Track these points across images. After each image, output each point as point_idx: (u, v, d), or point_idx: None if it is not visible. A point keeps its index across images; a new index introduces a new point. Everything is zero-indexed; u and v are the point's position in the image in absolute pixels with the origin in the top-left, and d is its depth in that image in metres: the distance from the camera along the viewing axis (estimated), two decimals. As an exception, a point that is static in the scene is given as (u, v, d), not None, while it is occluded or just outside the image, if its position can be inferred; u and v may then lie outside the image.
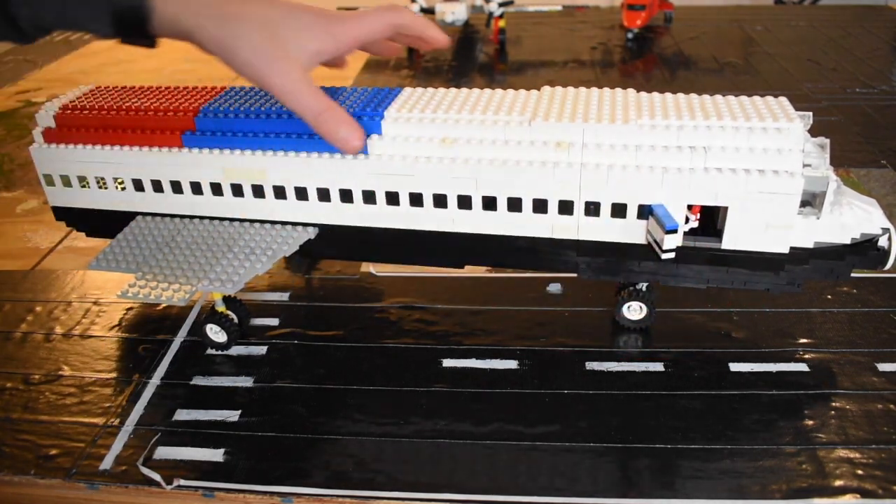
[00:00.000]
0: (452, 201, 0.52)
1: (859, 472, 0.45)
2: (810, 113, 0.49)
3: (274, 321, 0.61)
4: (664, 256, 0.47)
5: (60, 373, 0.56)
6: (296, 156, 0.53)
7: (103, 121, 0.57)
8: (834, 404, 0.50)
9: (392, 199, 0.53)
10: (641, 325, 0.57)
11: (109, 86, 0.62)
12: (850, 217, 0.48)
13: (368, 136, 0.51)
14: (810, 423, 0.49)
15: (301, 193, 0.54)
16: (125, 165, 0.57)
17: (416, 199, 0.52)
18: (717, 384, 0.52)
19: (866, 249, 0.49)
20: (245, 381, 0.55)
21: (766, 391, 0.51)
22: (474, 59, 1.27)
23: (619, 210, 0.49)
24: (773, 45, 1.29)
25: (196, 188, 0.56)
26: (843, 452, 0.46)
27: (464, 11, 1.30)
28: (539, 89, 0.54)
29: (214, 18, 0.46)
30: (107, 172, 0.58)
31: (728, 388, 0.52)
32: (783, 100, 0.50)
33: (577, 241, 0.51)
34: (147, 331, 0.61)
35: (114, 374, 0.56)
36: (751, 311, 0.59)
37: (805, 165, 0.46)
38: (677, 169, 0.47)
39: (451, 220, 0.53)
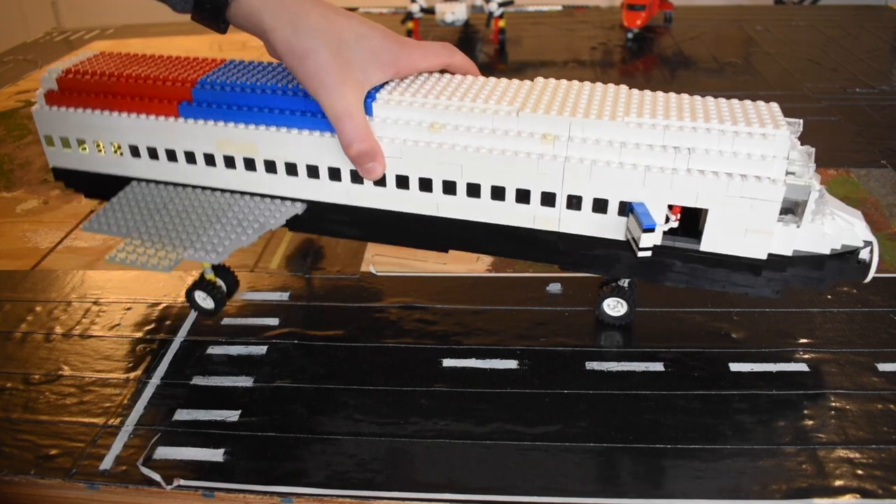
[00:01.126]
0: (438, 186, 0.52)
1: (859, 472, 0.45)
2: (800, 120, 0.49)
3: (274, 321, 0.61)
4: (640, 254, 0.47)
5: (60, 373, 0.56)
6: (287, 131, 0.53)
7: (104, 86, 0.58)
8: (834, 404, 0.50)
9: (379, 179, 0.53)
10: (621, 321, 0.57)
11: (114, 52, 0.63)
12: (832, 227, 0.48)
13: None
14: (810, 423, 0.49)
15: (291, 169, 0.55)
16: (122, 131, 0.58)
17: (402, 182, 0.53)
18: (717, 384, 0.52)
19: (847, 261, 0.49)
20: (245, 381, 0.55)
21: (766, 391, 0.51)
22: (474, 59, 1.27)
23: (600, 205, 0.49)
24: (773, 45, 1.29)
25: (190, 157, 0.57)
26: (843, 452, 0.46)
27: (464, 11, 1.30)
28: (532, 80, 0.54)
29: (292, 25, 0.48)
30: (105, 137, 0.59)
31: (728, 388, 0.52)
32: (774, 105, 0.49)
33: (558, 233, 0.51)
34: (147, 331, 0.61)
35: (114, 374, 0.56)
36: (751, 311, 0.59)
37: (789, 173, 0.46)
38: (660, 168, 0.47)
39: (436, 205, 0.53)
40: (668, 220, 0.49)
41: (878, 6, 1.52)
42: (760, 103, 0.50)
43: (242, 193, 0.58)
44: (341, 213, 0.56)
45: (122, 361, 0.57)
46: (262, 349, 0.58)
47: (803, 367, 0.53)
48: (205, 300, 0.58)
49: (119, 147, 0.59)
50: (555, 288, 0.64)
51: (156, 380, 0.55)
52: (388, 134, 0.51)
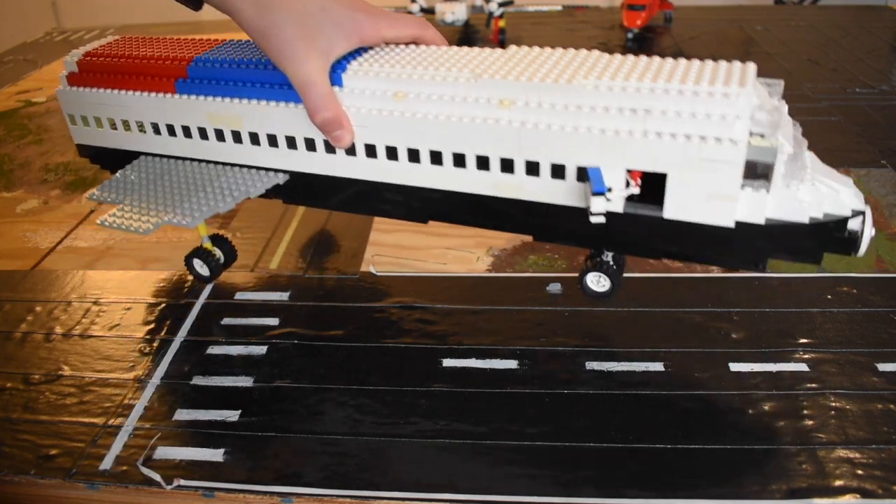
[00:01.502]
0: (403, 154, 0.52)
1: (859, 472, 0.45)
2: (781, 81, 0.47)
3: (274, 321, 0.61)
4: (593, 220, 0.46)
5: (60, 373, 0.56)
6: (266, 104, 0.55)
7: (115, 66, 0.61)
8: (834, 404, 0.50)
9: (350, 149, 0.54)
10: (603, 297, 0.54)
11: (133, 36, 0.66)
12: (810, 194, 0.44)
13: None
14: (810, 423, 0.49)
15: (272, 140, 0.57)
16: (130, 108, 0.61)
17: (370, 151, 0.53)
18: (717, 384, 0.52)
19: (832, 231, 0.44)
20: (245, 381, 0.55)
21: (766, 391, 0.51)
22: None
23: (558, 171, 0.48)
24: (773, 45, 1.29)
25: (186, 132, 0.60)
26: (843, 452, 0.46)
27: (464, 11, 1.30)
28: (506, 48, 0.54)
29: (255, 5, 0.50)
30: (116, 114, 0.62)
31: (728, 388, 0.52)
32: (750, 66, 0.46)
33: (520, 200, 0.51)
34: (147, 331, 0.61)
35: (114, 374, 0.56)
36: (751, 311, 0.59)
37: (755, 134, 0.43)
38: (615, 132, 0.45)
39: (404, 173, 0.53)
40: (628, 185, 0.46)
41: (878, 6, 1.52)
42: (736, 63, 0.46)
43: (232, 165, 0.60)
44: (319, 184, 0.57)
45: (122, 361, 0.57)
46: (262, 349, 0.58)
47: (803, 367, 0.53)
48: (201, 267, 0.62)
49: (128, 123, 0.62)
50: (555, 288, 0.63)
51: (156, 380, 0.55)
52: (356, 103, 0.52)
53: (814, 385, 0.52)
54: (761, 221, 0.45)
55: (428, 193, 0.54)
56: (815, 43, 1.30)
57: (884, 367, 0.53)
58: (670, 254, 0.49)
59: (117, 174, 0.63)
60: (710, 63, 0.47)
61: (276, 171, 0.58)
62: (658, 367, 0.54)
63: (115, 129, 0.63)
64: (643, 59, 0.49)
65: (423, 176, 0.53)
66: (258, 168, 0.59)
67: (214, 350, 0.58)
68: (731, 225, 0.45)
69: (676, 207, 0.46)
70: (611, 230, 0.48)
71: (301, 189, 0.59)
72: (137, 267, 0.70)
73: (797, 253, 0.46)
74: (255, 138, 0.57)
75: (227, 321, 0.61)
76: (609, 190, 0.46)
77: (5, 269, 0.71)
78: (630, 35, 1.32)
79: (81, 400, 0.54)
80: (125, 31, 1.58)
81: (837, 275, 0.64)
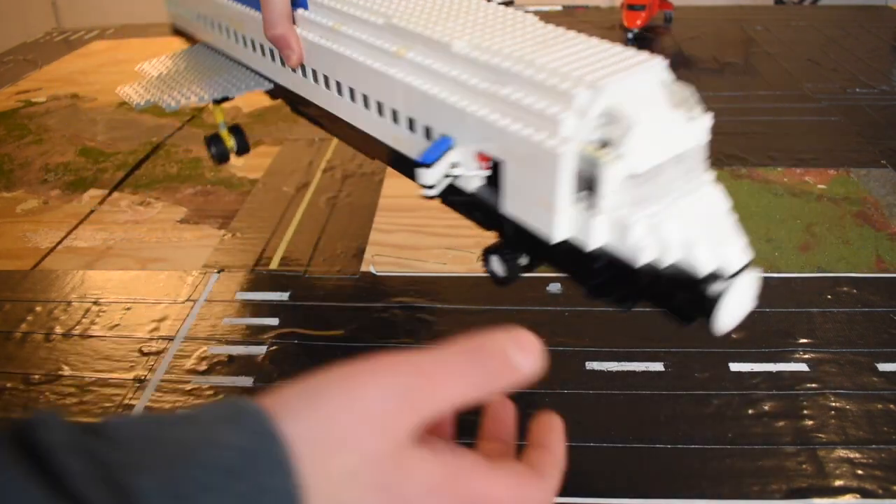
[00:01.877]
0: (333, 87, 0.53)
1: (859, 472, 0.45)
2: (691, 87, 0.37)
3: (274, 321, 0.61)
4: (424, 193, 0.43)
5: (60, 373, 0.56)
6: (253, 12, 0.58)
7: None
8: (834, 404, 0.50)
9: (302, 69, 0.56)
10: (500, 281, 0.47)
11: None
12: (650, 234, 0.34)
13: (296, 9, 0.54)
14: (810, 423, 0.49)
15: (262, 48, 0.60)
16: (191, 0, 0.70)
17: (315, 76, 0.55)
18: (717, 384, 0.52)
19: (676, 287, 0.35)
20: (245, 381, 0.55)
21: (766, 391, 0.51)
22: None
23: (429, 134, 0.45)
24: (773, 45, 1.29)
25: (219, 28, 0.66)
26: (843, 452, 0.46)
27: (464, 11, 1.30)
28: None
29: None
30: (186, 3, 0.71)
31: (728, 388, 0.52)
32: (654, 61, 0.37)
33: (407, 158, 0.48)
34: (147, 331, 0.61)
35: (114, 374, 0.56)
36: (751, 311, 0.59)
37: (597, 142, 0.36)
38: (466, 104, 0.41)
39: (336, 105, 0.54)
40: (478, 166, 0.42)
41: (878, 6, 1.52)
42: (643, 55, 0.38)
43: (242, 66, 0.65)
44: (293, 98, 0.59)
45: (122, 361, 0.57)
46: (262, 349, 0.58)
47: (803, 367, 0.53)
48: (212, 149, 0.69)
49: (193, 13, 0.70)
50: (555, 288, 0.64)
51: (156, 380, 0.55)
52: (308, 28, 0.53)
53: (814, 385, 0.52)
54: (591, 246, 0.37)
55: (360, 131, 0.53)
56: (815, 43, 1.30)
57: (884, 367, 0.53)
58: (539, 254, 0.43)
59: (167, 55, 0.70)
60: (620, 51, 0.39)
61: (263, 77, 0.62)
62: (658, 367, 0.54)
63: (187, 17, 0.72)
64: (569, 35, 0.44)
65: (346, 110, 0.53)
66: (254, 72, 0.63)
67: (214, 350, 0.58)
68: (555, 238, 0.39)
69: (510, 203, 0.41)
70: (478, 213, 0.45)
71: (288, 99, 0.61)
72: (137, 267, 0.70)
73: (655, 300, 0.36)
74: (252, 44, 0.61)
75: (227, 321, 0.61)
76: (454, 166, 0.43)
77: (5, 269, 0.71)
78: (630, 35, 1.32)
79: (81, 400, 0.54)
80: (125, 31, 1.58)
81: (837, 275, 0.64)
